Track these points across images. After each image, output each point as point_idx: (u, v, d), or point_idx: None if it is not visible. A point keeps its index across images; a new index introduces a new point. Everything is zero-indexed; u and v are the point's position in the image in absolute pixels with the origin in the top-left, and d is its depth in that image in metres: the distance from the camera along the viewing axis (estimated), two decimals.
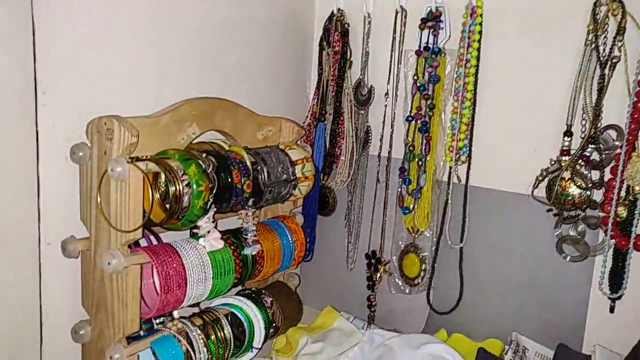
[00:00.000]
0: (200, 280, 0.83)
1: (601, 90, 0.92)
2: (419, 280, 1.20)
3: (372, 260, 1.27)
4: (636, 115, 0.88)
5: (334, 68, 1.28)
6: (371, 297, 1.28)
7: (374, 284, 1.27)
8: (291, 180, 0.98)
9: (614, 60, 0.91)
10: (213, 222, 0.87)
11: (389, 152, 1.22)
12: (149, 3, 0.91)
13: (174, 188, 0.76)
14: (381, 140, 1.24)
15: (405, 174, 1.16)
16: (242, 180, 0.88)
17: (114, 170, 0.71)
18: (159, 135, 0.82)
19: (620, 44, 0.90)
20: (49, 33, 0.76)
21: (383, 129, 1.23)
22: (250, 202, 0.92)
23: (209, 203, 0.80)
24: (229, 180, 0.85)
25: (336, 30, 1.27)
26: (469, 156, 1.11)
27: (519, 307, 1.09)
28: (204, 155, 0.84)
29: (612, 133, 0.93)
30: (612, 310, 0.95)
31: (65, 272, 0.84)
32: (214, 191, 0.82)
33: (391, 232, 1.24)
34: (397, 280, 1.23)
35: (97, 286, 0.79)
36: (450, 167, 1.13)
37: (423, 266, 1.19)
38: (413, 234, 1.20)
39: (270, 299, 1.07)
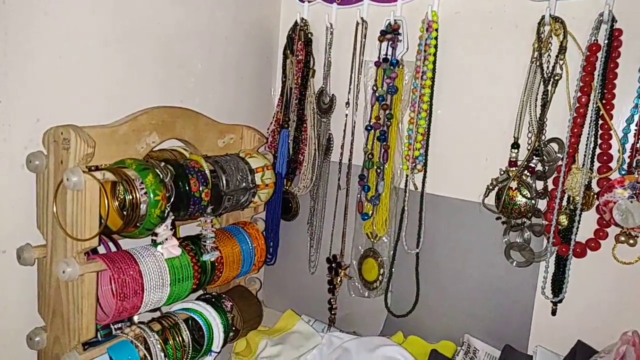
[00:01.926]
0: (157, 286, 0.84)
1: (544, 106, 0.97)
2: (377, 284, 1.24)
3: (333, 265, 1.30)
4: (576, 130, 0.94)
5: (297, 76, 1.30)
6: (332, 300, 1.32)
7: (335, 287, 1.30)
8: (250, 188, 1.00)
9: (556, 78, 0.96)
10: (172, 229, 0.89)
11: (350, 160, 1.26)
12: (111, 10, 0.92)
13: (130, 197, 0.77)
14: (342, 147, 1.27)
15: (365, 181, 1.20)
16: (201, 189, 0.89)
17: (70, 180, 0.72)
18: (117, 144, 0.83)
19: (562, 62, 0.96)
20: (4, 39, 0.77)
21: (344, 136, 1.27)
22: (209, 210, 0.94)
23: (167, 211, 0.82)
24: (187, 188, 0.87)
25: (300, 40, 1.30)
26: (425, 165, 1.15)
27: (472, 310, 1.14)
28: (163, 164, 0.85)
29: (555, 146, 0.99)
30: (554, 313, 1.01)
31: (21, 279, 0.84)
32: (172, 200, 0.83)
33: (351, 237, 1.27)
34: (356, 284, 1.27)
35: (53, 293, 0.80)
36: (407, 175, 1.17)
37: (381, 270, 1.23)
38: (372, 239, 1.23)
39: (230, 303, 1.09)
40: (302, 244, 1.38)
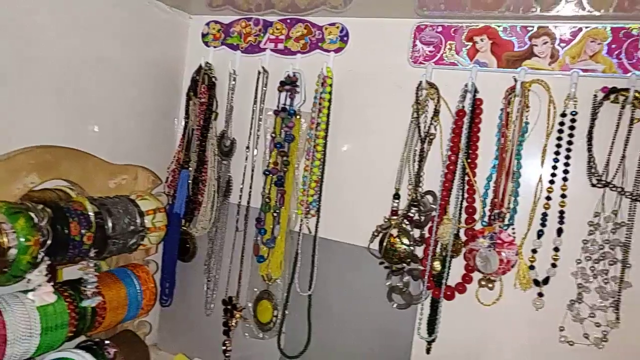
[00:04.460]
0: (25, 337, 0.80)
1: (421, 161, 1.07)
2: (271, 326, 1.26)
3: (229, 306, 1.30)
4: (447, 184, 1.04)
5: (200, 118, 1.33)
6: (226, 342, 1.31)
7: (230, 329, 1.30)
8: (139, 231, 1.00)
9: (431, 137, 1.07)
10: (47, 274, 0.85)
11: (248, 202, 1.29)
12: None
13: None
14: (241, 190, 1.30)
15: (261, 224, 1.23)
16: (82, 232, 0.88)
17: None
18: None
19: (436, 123, 1.07)
20: None
21: (243, 180, 1.30)
22: (92, 253, 0.92)
23: (40, 257, 0.79)
24: (66, 232, 0.85)
25: (203, 83, 1.32)
26: (318, 210, 1.21)
27: (359, 350, 1.19)
28: (40, 206, 0.83)
29: (430, 198, 1.08)
30: (428, 351, 1.08)
31: None
32: (48, 244, 0.81)
33: (247, 279, 1.29)
34: (251, 325, 1.28)
35: None
36: (302, 220, 1.21)
37: (275, 312, 1.25)
38: (267, 282, 1.26)
39: (115, 349, 1.05)
40: (199, 286, 1.37)
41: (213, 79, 1.34)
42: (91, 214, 0.90)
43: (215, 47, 1.35)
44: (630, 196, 0.90)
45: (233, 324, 1.30)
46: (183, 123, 1.37)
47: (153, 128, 1.36)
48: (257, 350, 1.30)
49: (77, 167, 0.97)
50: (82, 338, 1.08)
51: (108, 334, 1.12)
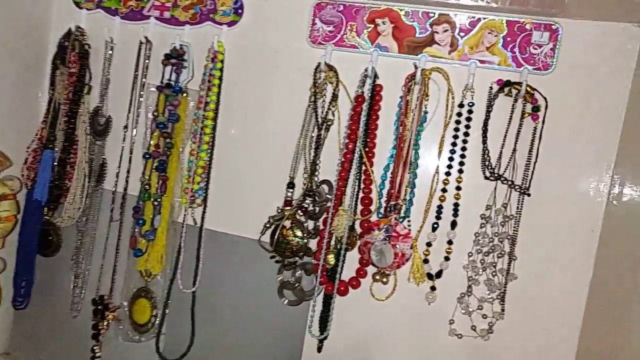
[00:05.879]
0: None
1: (317, 149, 1.00)
2: (149, 327, 1.13)
3: (99, 307, 1.15)
4: (343, 174, 0.98)
5: (69, 91, 1.15)
6: (95, 347, 1.16)
7: (100, 332, 1.15)
8: None
9: (329, 123, 1.00)
10: None
11: (125, 189, 1.14)
12: None
13: None
14: (117, 175, 1.14)
15: (140, 214, 1.09)
16: None
17: None
18: None
19: (334, 108, 1.00)
20: None
21: (120, 163, 1.14)
22: None
23: None
24: None
25: (73, 50, 1.14)
26: (205, 199, 1.09)
27: (248, 349, 1.10)
28: None
29: (326, 187, 1.02)
30: (319, 350, 1.03)
31: None
32: None
33: (123, 276, 1.14)
34: (125, 327, 1.14)
35: None
36: (186, 209, 1.09)
37: (154, 312, 1.12)
38: (146, 278, 1.12)
39: None
40: (65, 284, 1.19)
41: (86, 47, 1.16)
42: None
43: (88, 9, 1.17)
44: (518, 189, 0.91)
45: (104, 326, 1.15)
46: (48, 96, 1.17)
47: (9, 100, 1.15)
48: (134, 355, 1.16)
49: None
50: None
51: None
